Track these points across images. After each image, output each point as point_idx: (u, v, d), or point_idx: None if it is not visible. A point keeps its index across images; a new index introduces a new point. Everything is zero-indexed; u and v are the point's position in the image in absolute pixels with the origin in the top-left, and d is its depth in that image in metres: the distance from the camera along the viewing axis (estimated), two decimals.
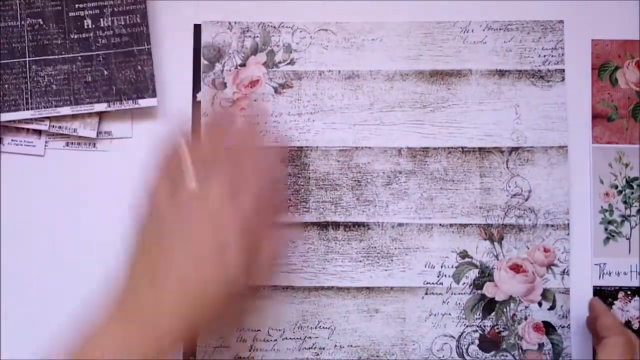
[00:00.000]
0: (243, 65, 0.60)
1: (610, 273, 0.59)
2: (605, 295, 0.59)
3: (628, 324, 0.59)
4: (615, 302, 0.59)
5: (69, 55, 0.59)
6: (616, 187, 0.59)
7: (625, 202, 0.59)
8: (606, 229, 0.59)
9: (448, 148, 0.59)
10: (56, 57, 0.59)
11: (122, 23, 0.59)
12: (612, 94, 0.60)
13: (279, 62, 0.60)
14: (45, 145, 0.60)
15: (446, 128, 0.59)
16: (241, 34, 0.60)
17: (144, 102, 0.59)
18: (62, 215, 0.59)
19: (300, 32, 0.60)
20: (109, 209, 0.59)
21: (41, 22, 0.59)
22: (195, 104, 0.60)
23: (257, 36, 0.60)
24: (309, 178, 0.59)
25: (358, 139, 0.59)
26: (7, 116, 0.58)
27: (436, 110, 0.59)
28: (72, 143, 0.60)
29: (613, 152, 0.60)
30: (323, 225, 0.59)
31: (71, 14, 0.59)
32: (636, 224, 0.59)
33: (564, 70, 0.60)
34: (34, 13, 0.59)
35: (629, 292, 0.59)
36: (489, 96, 0.59)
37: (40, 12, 0.59)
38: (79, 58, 0.59)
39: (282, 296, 0.58)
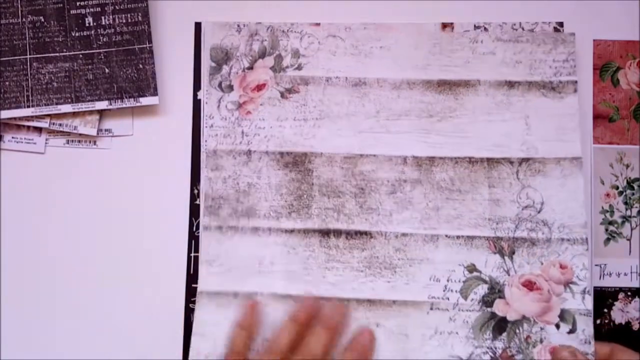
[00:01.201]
0: (250, 68, 0.60)
1: (610, 274, 0.59)
2: (605, 296, 0.59)
3: (628, 325, 0.59)
4: (615, 303, 0.59)
5: (70, 53, 0.59)
6: (617, 187, 0.59)
7: (626, 203, 0.59)
8: (607, 230, 0.59)
9: (455, 158, 0.58)
10: (57, 54, 0.59)
11: (124, 21, 0.59)
12: (613, 94, 0.60)
13: (287, 67, 0.60)
14: (46, 143, 0.60)
15: (453, 138, 0.58)
16: (249, 37, 0.60)
17: (145, 100, 0.59)
18: (63, 213, 0.59)
19: (309, 37, 0.60)
20: (109, 206, 0.59)
21: (42, 20, 0.59)
22: (196, 102, 0.60)
23: (265, 40, 0.60)
24: (312, 184, 0.58)
25: (363, 146, 0.58)
26: (7, 113, 0.58)
27: (443, 120, 0.58)
28: (72, 141, 0.60)
29: (614, 152, 0.60)
30: (325, 233, 0.58)
31: (72, 11, 0.59)
32: (637, 225, 0.59)
33: (576, 82, 0.58)
34: (35, 10, 0.59)
35: (629, 293, 0.59)
36: (498, 107, 0.58)
37: (42, 9, 0.59)
38: (80, 56, 0.59)
39: (280, 304, 0.57)
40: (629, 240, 0.59)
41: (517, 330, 0.55)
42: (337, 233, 0.57)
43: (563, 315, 0.55)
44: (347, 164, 0.58)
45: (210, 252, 0.58)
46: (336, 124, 0.59)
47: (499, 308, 0.56)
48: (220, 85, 0.59)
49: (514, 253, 0.56)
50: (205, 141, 0.59)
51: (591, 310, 0.55)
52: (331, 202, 0.58)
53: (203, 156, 0.59)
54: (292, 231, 0.58)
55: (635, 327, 0.59)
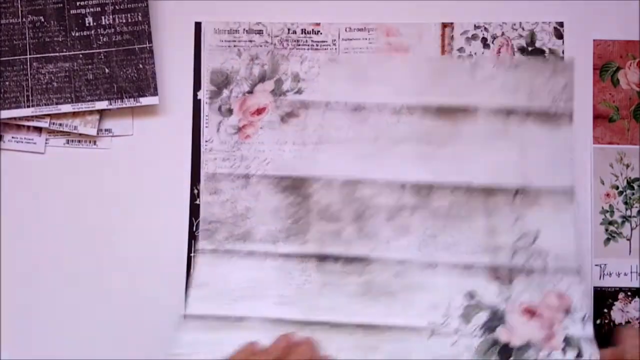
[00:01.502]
0: (250, 92, 0.59)
1: (610, 274, 0.59)
2: (605, 296, 0.59)
3: (628, 324, 0.59)
4: (615, 303, 0.59)
5: (70, 53, 0.59)
6: (617, 187, 0.59)
7: (626, 203, 0.59)
8: (607, 230, 0.59)
9: (453, 185, 0.57)
10: (57, 54, 0.59)
11: (124, 21, 0.59)
12: (613, 94, 0.60)
13: (287, 91, 0.59)
14: (46, 143, 0.60)
15: (451, 165, 0.58)
16: (250, 61, 0.60)
17: (145, 100, 0.59)
18: (63, 213, 0.59)
19: (309, 61, 0.59)
20: (109, 206, 0.59)
21: (42, 20, 0.59)
22: (196, 102, 0.60)
23: (266, 64, 0.60)
24: (311, 208, 0.58)
25: (362, 171, 0.58)
26: (7, 113, 0.58)
27: (442, 147, 0.58)
28: (72, 140, 0.60)
29: (614, 152, 0.60)
30: (322, 257, 0.57)
31: (72, 11, 0.59)
32: (637, 225, 0.59)
33: (572, 113, 0.58)
34: (35, 10, 0.59)
35: (629, 293, 0.59)
36: (496, 135, 0.58)
37: (42, 9, 0.59)
38: (80, 56, 0.59)
39: (272, 329, 0.55)
40: (629, 240, 0.59)
41: (524, 356, 0.55)
42: (335, 258, 0.57)
43: (568, 341, 0.55)
44: (346, 188, 0.58)
45: (202, 275, 0.57)
46: (335, 149, 0.58)
47: (502, 334, 0.55)
48: (220, 108, 0.59)
49: (512, 281, 0.56)
50: (206, 164, 0.59)
51: (593, 337, 0.55)
52: (329, 226, 0.57)
53: (203, 178, 0.59)
54: (288, 255, 0.57)
55: (635, 327, 0.59)
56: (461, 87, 0.59)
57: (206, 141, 0.59)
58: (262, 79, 0.59)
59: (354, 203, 0.57)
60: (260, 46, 0.60)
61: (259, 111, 0.59)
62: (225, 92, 0.59)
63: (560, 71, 0.58)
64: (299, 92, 0.59)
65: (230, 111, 0.59)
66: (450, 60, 0.59)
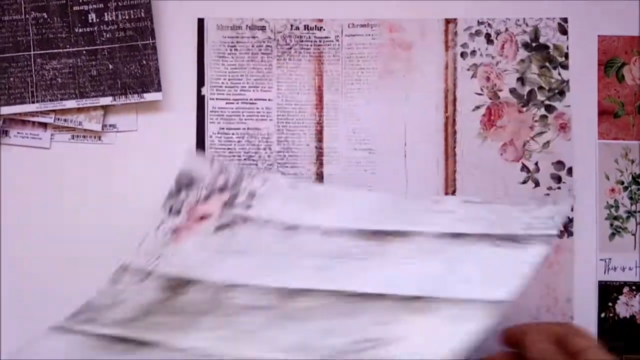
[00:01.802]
0: (205, 200, 0.57)
1: (615, 268, 0.59)
2: (610, 290, 0.59)
3: (632, 318, 0.59)
4: (620, 297, 0.59)
5: (74, 49, 0.59)
6: (622, 183, 0.59)
7: (631, 198, 0.59)
8: (612, 225, 0.59)
9: (329, 291, 0.49)
10: (61, 50, 0.59)
11: (127, 17, 0.59)
12: (618, 90, 0.60)
13: (238, 205, 0.56)
14: (51, 138, 0.60)
15: (348, 280, 0.50)
16: (218, 172, 0.57)
17: (149, 96, 0.59)
18: (68, 208, 0.59)
19: (271, 183, 0.57)
20: (113, 201, 0.60)
21: (45, 16, 0.59)
22: (200, 97, 0.60)
23: (230, 177, 0.57)
24: (169, 304, 0.51)
25: (245, 277, 0.51)
26: (12, 109, 0.58)
27: (345, 263, 0.51)
28: (77, 136, 0.60)
29: (619, 148, 0.60)
30: (125, 339, 0.49)
31: (75, 8, 0.59)
32: None
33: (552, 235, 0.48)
34: (38, 7, 0.59)
35: (633, 287, 0.59)
36: (423, 253, 0.50)
37: (45, 6, 0.59)
38: (84, 52, 0.59)
39: None
40: (634, 235, 0.59)
41: None
42: (138, 342, 0.49)
43: None
44: (221, 292, 0.51)
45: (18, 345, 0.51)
46: (244, 260, 0.53)
47: None
48: (170, 209, 0.57)
49: None
50: (126, 256, 0.55)
51: None
52: (167, 318, 0.50)
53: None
54: (103, 335, 0.50)
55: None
56: (413, 218, 0.52)
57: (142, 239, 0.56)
58: (222, 190, 0.57)
59: (212, 303, 0.51)
60: (262, 45, 0.61)
61: (203, 218, 0.56)
62: (183, 195, 0.57)
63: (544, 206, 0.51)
64: (248, 208, 0.56)
65: (178, 213, 0.57)
66: (413, 199, 0.55)
